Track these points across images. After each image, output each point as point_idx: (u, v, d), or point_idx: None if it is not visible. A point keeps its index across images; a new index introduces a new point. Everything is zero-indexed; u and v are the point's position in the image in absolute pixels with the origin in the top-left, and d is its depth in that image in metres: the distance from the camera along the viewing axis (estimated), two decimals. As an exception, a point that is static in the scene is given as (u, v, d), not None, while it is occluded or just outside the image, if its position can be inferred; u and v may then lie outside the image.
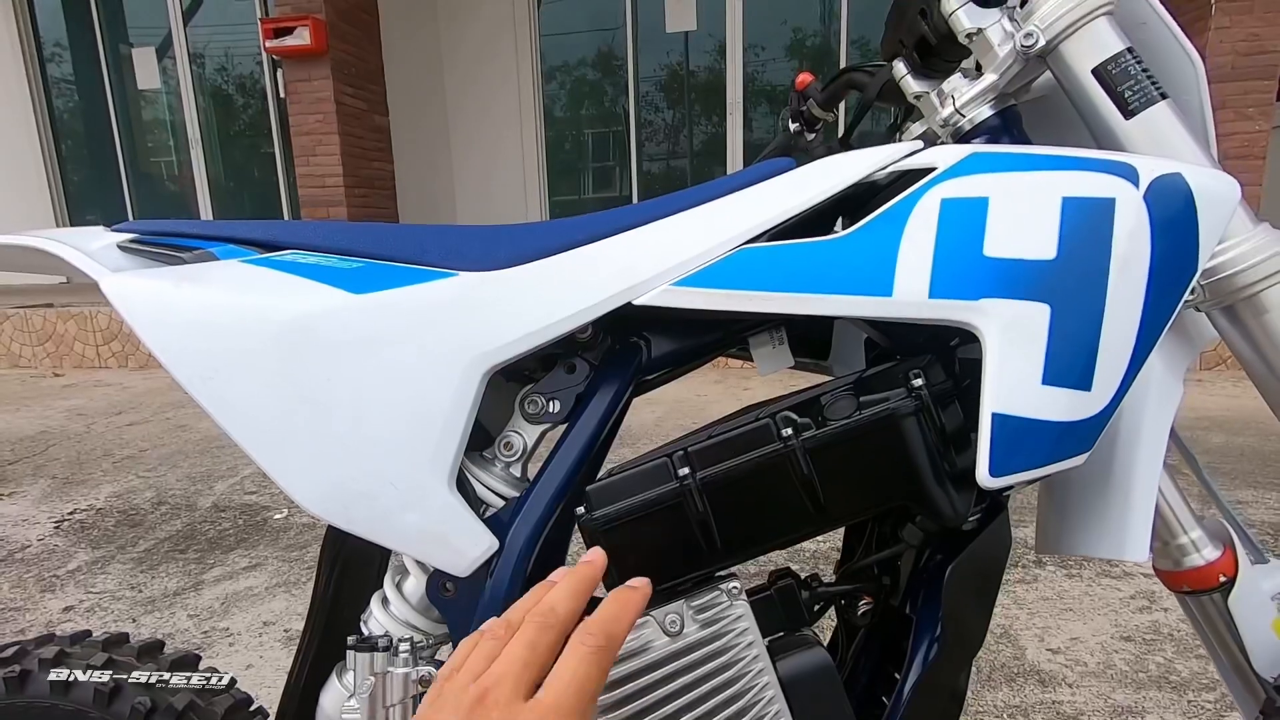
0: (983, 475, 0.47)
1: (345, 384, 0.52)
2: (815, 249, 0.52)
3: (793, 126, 0.98)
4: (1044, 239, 0.46)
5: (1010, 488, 0.49)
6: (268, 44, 4.57)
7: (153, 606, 1.69)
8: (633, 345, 0.61)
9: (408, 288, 0.54)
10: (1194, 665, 1.33)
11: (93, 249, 0.60)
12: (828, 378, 0.70)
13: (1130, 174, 0.46)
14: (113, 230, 0.63)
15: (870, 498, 0.51)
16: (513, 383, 0.64)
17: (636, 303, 0.54)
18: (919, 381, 0.50)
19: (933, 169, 0.51)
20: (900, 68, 0.69)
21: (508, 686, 0.33)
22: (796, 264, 0.52)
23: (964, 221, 0.48)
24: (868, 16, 5.53)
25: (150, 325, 0.52)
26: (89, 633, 0.67)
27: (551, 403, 0.60)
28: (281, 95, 5.23)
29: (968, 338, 0.58)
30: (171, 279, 0.55)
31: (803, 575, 0.58)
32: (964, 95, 0.62)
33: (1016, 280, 0.46)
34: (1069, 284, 0.46)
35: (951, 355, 0.56)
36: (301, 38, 4.44)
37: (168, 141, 6.65)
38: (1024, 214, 0.47)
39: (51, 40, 6.54)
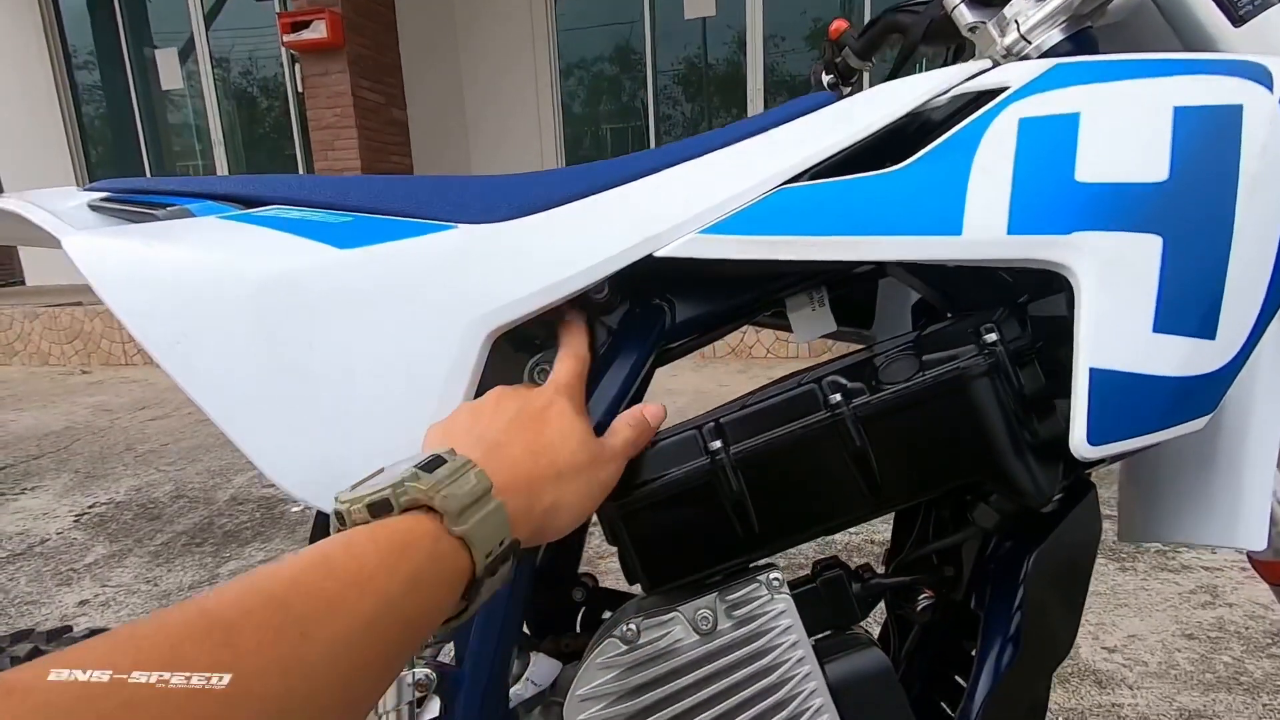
0: (1079, 443, 0.39)
1: (330, 348, 0.46)
2: (866, 185, 0.45)
3: (825, 79, 0.90)
4: (1152, 158, 0.38)
5: (1108, 459, 0.41)
6: (285, 38, 4.57)
7: (168, 600, 1.66)
8: (654, 307, 0.54)
9: (400, 241, 0.48)
10: (1267, 665, 1.23)
11: (61, 209, 0.55)
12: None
13: (1261, 75, 0.38)
14: (85, 190, 0.58)
15: (935, 474, 0.43)
16: (521, 352, 0.57)
17: (659, 254, 0.47)
18: (993, 336, 0.42)
19: (1004, 88, 0.44)
20: (953, -3, 0.61)
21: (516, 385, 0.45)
22: (844, 203, 0.45)
23: (1049, 143, 0.40)
24: (890, 4, 5.38)
25: (115, 286, 0.47)
26: (69, 628, 0.62)
27: (565, 372, 0.53)
28: (300, 90, 5.23)
29: (1039, 293, 0.51)
30: (140, 237, 0.49)
31: (851, 565, 0.51)
32: (1031, 18, 0.54)
33: (1119, 208, 0.39)
34: (1186, 211, 0.38)
35: (1022, 313, 0.49)
36: (318, 31, 4.43)
37: (192, 144, 6.72)
38: (1126, 129, 0.39)
39: (78, 46, 6.63)
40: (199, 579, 1.76)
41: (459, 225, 0.49)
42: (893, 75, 0.81)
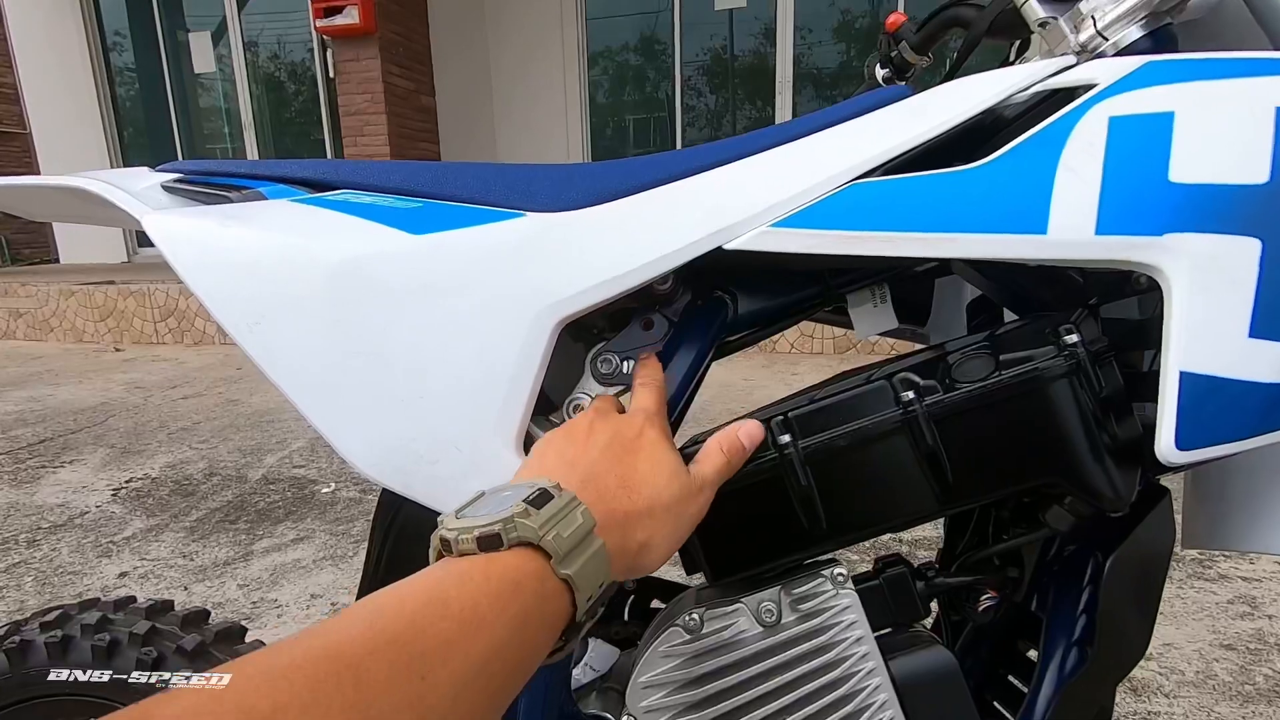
0: (1166, 448, 0.39)
1: (403, 333, 0.46)
2: (944, 181, 0.44)
3: (880, 74, 0.89)
4: (1252, 159, 0.37)
5: (1195, 464, 0.41)
6: (318, 23, 4.60)
7: (204, 575, 1.70)
8: (717, 300, 0.54)
9: (471, 229, 0.48)
10: (1307, 680, 1.21)
11: (136, 189, 0.56)
12: (921, 346, 0.63)
13: (1370, 76, 0.37)
14: (157, 170, 0.59)
15: (1009, 475, 0.43)
16: (580, 342, 0.58)
17: (728, 247, 0.47)
18: (1073, 338, 0.42)
19: (1092, 85, 0.43)
20: (1024, -10, 0.60)
21: (607, 408, 0.46)
22: (921, 199, 0.44)
23: (1142, 142, 0.40)
24: (928, -9, 5.28)
25: (194, 266, 0.48)
26: (134, 598, 0.64)
27: (626, 362, 0.54)
28: (331, 76, 5.26)
29: (1110, 295, 0.50)
30: (217, 218, 0.50)
31: (914, 563, 0.50)
32: (1109, 14, 0.52)
33: (1215, 210, 0.38)
34: (1287, 214, 0.37)
35: (1095, 315, 0.48)
36: (351, 16, 4.45)
37: (223, 128, 6.80)
38: (1223, 130, 0.38)
39: (113, 28, 6.73)
40: (233, 555, 1.80)
41: (527, 213, 0.49)
42: (953, 71, 0.80)
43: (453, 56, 5.72)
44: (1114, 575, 0.44)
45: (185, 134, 6.81)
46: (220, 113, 6.78)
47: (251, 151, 6.60)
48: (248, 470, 2.38)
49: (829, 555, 0.47)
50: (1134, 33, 0.52)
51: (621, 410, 0.46)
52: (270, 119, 6.64)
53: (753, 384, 3.28)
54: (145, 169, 0.60)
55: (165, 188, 0.57)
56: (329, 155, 6.37)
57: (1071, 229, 0.40)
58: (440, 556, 0.32)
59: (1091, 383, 0.41)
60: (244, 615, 1.53)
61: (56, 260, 7.45)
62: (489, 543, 0.31)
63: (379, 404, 0.46)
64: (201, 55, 6.57)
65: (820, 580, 0.46)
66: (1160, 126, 0.39)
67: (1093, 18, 0.53)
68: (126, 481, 2.31)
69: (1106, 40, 0.53)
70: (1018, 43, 0.74)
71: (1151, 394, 0.41)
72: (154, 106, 6.79)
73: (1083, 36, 0.54)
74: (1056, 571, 0.49)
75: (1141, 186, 0.39)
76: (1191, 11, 0.58)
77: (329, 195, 0.54)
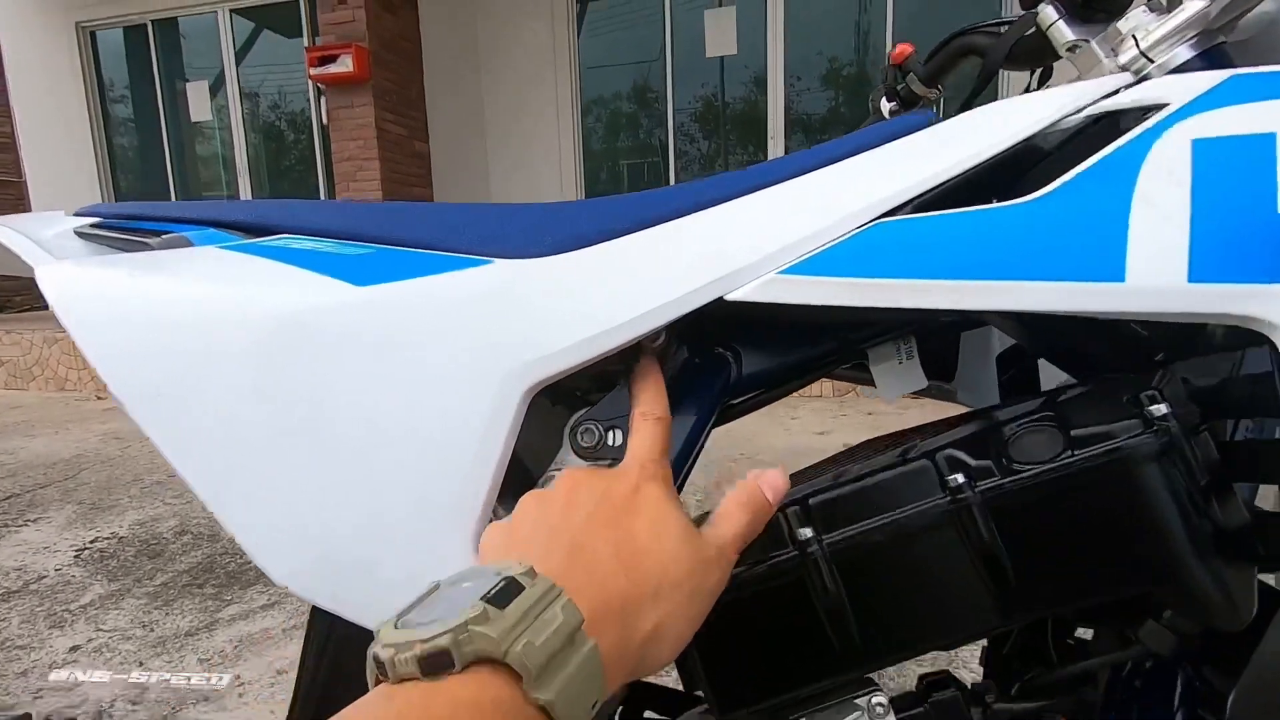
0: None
1: (339, 406, 0.38)
2: (987, 219, 0.37)
3: (886, 107, 0.83)
4: (1384, 188, 0.30)
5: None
6: (312, 72, 4.64)
7: (162, 648, 1.57)
8: (718, 358, 0.47)
9: (427, 278, 0.41)
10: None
11: (44, 236, 0.49)
12: (961, 409, 0.55)
13: None
14: (74, 215, 0.52)
15: (1088, 583, 0.34)
16: (560, 406, 0.49)
17: (730, 298, 0.39)
18: (1162, 408, 0.34)
19: (1162, 105, 0.36)
20: (1050, 12, 0.55)
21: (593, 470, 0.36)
22: (958, 241, 0.37)
23: (1237, 169, 0.32)
24: (916, 35, 5.40)
25: (89, 324, 0.40)
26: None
27: (611, 433, 0.45)
28: (325, 123, 5.31)
29: (1181, 350, 0.42)
30: (126, 268, 0.42)
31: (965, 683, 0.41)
32: (1154, 33, 0.46)
33: (1342, 251, 0.30)
34: None
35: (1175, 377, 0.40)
36: (344, 65, 4.49)
37: (219, 174, 6.85)
38: (1343, 153, 0.31)
39: (114, 79, 6.82)
40: (197, 624, 1.67)
41: (495, 260, 0.42)
42: (969, 101, 0.74)
43: (446, 103, 5.79)
44: (1239, 708, 0.35)
45: (180, 180, 6.85)
46: (217, 159, 6.83)
47: (246, 197, 6.62)
48: (220, 528, 2.26)
49: (865, 677, 0.38)
50: (1184, 53, 0.46)
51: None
52: (266, 165, 6.69)
53: (750, 430, 3.18)
54: (60, 213, 0.53)
55: (79, 233, 0.50)
56: (323, 199, 6.39)
57: (1157, 276, 0.32)
58: (379, 680, 0.24)
59: (1190, 464, 0.33)
60: (202, 695, 1.40)
61: (45, 308, 7.37)
62: (434, 663, 0.23)
63: (305, 495, 0.38)
64: (199, 104, 6.65)
65: (857, 713, 0.37)
66: (1260, 150, 0.32)
67: (1134, 37, 0.47)
68: (91, 541, 2.19)
69: (1152, 62, 0.46)
70: (1039, 71, 0.68)
71: (1246, 471, 0.33)
72: (150, 154, 6.84)
73: (1123, 59, 0.48)
74: (1138, 689, 0.40)
75: (1242, 223, 0.32)
76: (1243, 30, 0.52)
77: (265, 241, 0.46)
